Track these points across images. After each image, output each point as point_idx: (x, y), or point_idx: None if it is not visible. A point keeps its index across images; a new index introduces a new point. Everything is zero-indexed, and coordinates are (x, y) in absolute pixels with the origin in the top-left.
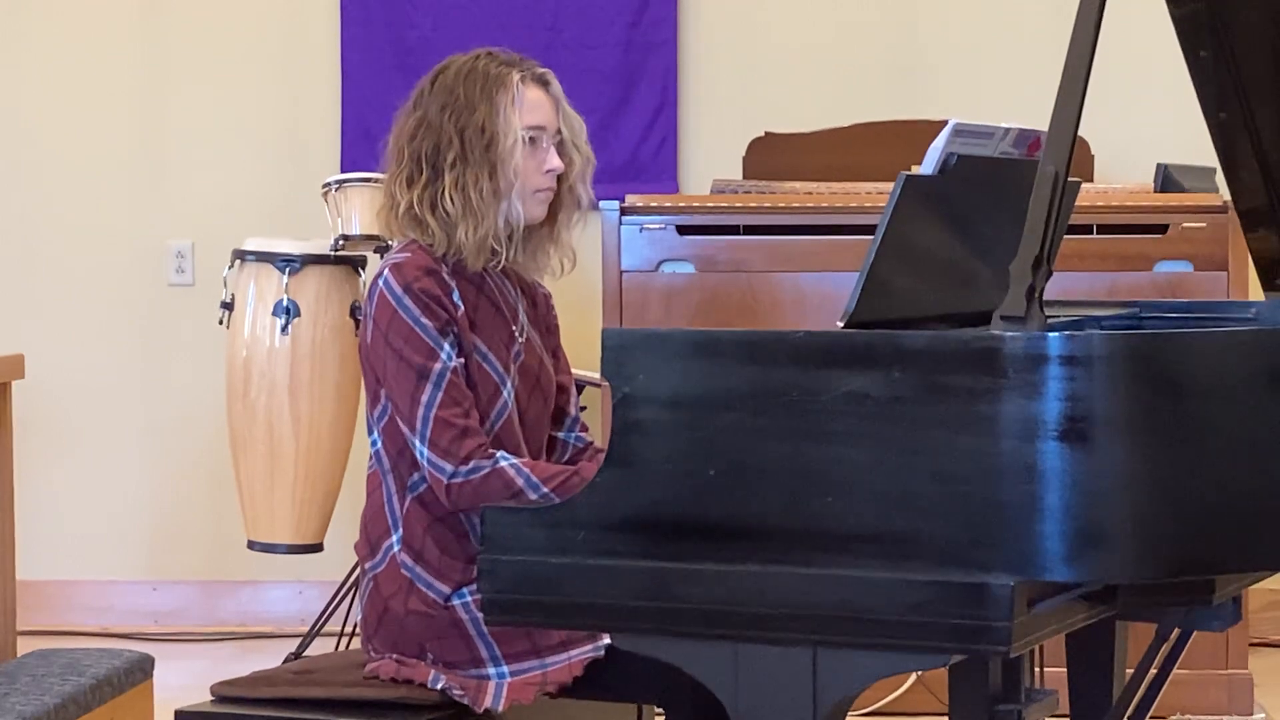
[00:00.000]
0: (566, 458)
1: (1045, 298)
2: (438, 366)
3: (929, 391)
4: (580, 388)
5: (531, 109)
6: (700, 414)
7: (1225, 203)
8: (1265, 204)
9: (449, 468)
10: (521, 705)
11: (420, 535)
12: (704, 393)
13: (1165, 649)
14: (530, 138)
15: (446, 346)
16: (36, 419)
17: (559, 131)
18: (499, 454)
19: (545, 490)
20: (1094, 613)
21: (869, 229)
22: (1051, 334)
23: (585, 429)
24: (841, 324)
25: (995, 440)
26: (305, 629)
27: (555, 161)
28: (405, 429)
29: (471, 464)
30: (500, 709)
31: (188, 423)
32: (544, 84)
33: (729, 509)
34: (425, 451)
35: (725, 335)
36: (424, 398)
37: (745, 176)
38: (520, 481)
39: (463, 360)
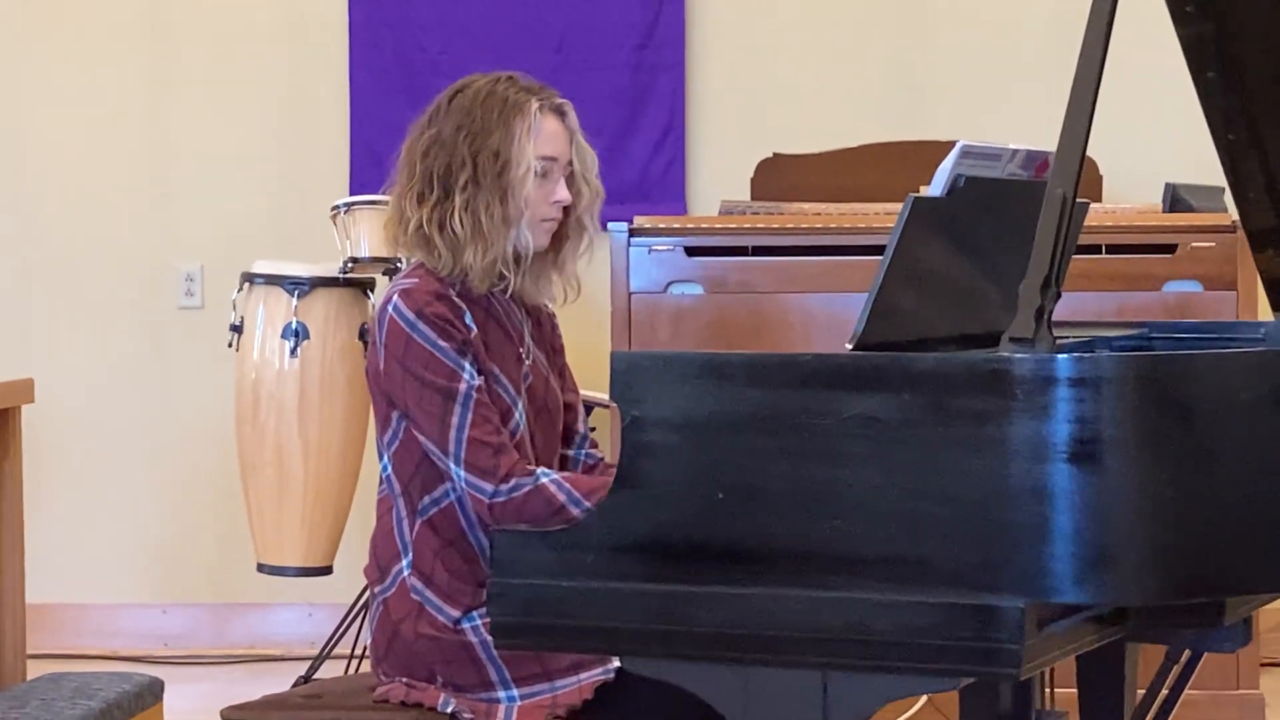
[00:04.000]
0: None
1: (1054, 318)
2: (463, 387)
3: (938, 414)
4: (589, 409)
5: (547, 139)
6: (709, 436)
7: (1234, 222)
8: (1274, 224)
9: (489, 487)
10: None
11: (430, 559)
12: (713, 415)
13: (1176, 670)
14: (542, 169)
15: (468, 366)
16: (46, 443)
17: (570, 163)
18: (539, 470)
19: (587, 505)
20: (1104, 634)
21: (877, 250)
22: (1060, 355)
23: (595, 445)
24: (850, 346)
25: (1004, 462)
26: (315, 652)
27: (563, 194)
28: (437, 452)
29: (513, 482)
30: None
31: (197, 445)
32: (561, 114)
33: (738, 531)
34: (462, 474)
35: (734, 358)
36: (454, 420)
37: (753, 197)
38: (562, 498)
39: (483, 379)
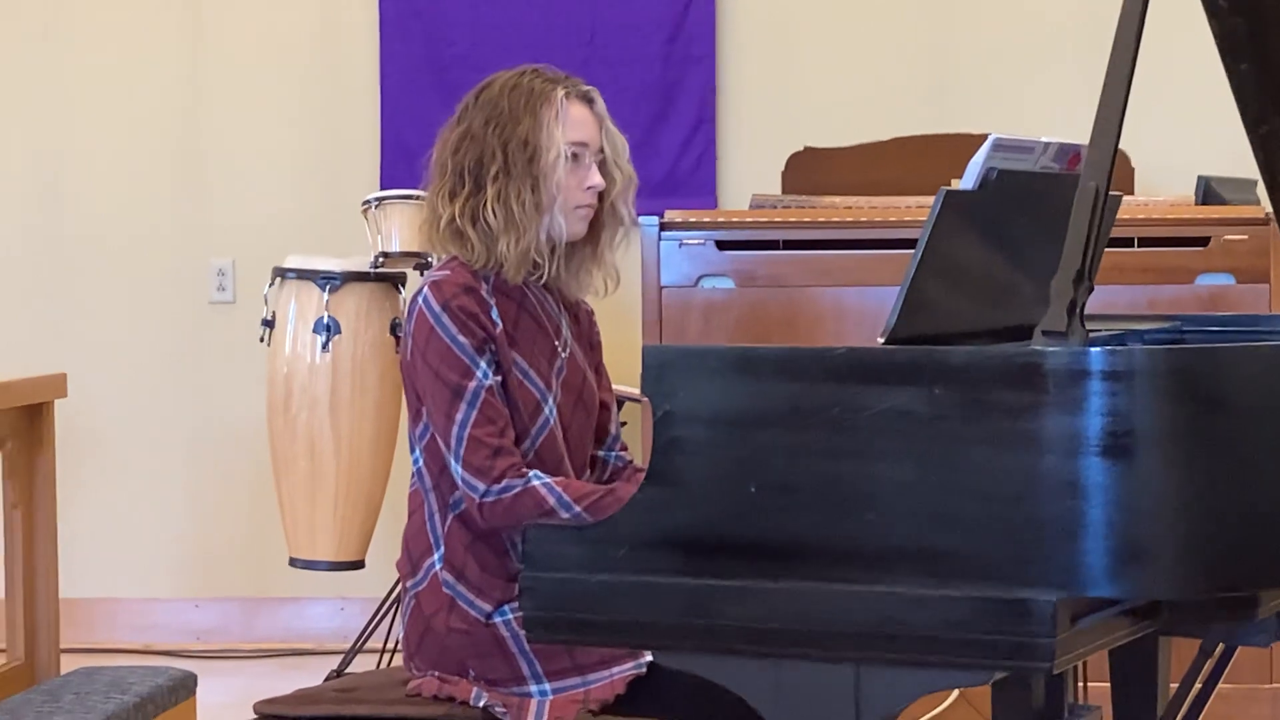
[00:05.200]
0: (607, 476)
1: (1086, 312)
2: (473, 385)
3: (970, 408)
4: (621, 403)
5: (575, 125)
6: (741, 431)
7: (1267, 215)
8: None
9: (481, 486)
10: None
11: (462, 553)
12: (745, 410)
13: (1209, 664)
14: (573, 154)
15: (483, 364)
16: (78, 437)
17: (601, 149)
18: (532, 473)
19: (577, 510)
20: (1137, 628)
21: (909, 244)
22: (1093, 349)
23: (625, 448)
24: (882, 340)
25: (1037, 456)
26: (347, 646)
27: (596, 178)
28: (441, 446)
29: (504, 482)
30: None
31: (229, 440)
32: (588, 101)
33: (770, 526)
34: (459, 470)
35: (765, 352)
36: (459, 416)
37: (784, 191)
38: (552, 500)
39: (500, 378)
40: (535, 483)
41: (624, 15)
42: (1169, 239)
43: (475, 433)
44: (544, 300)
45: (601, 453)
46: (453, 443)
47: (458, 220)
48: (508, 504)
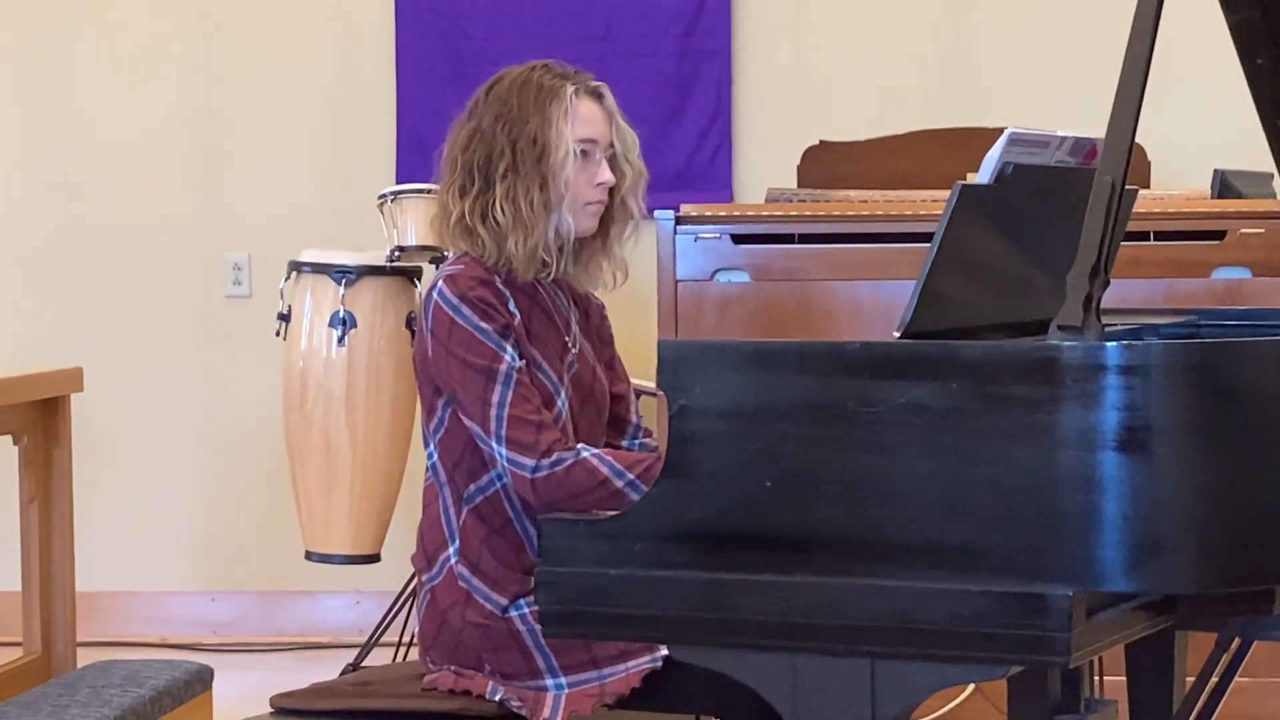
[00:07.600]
0: None
1: (1102, 306)
2: (503, 366)
3: (986, 402)
4: (636, 396)
5: (584, 122)
6: (757, 425)
7: None
8: None
9: (530, 462)
10: (580, 717)
11: (477, 547)
12: (760, 404)
13: (1226, 658)
14: (582, 150)
15: (509, 348)
16: (95, 431)
17: (611, 145)
18: (579, 445)
19: (631, 477)
20: (1153, 622)
21: (924, 237)
22: (1109, 343)
23: (649, 434)
24: (897, 334)
25: (1053, 450)
26: (363, 639)
27: (606, 175)
28: (479, 431)
29: (555, 456)
30: None
31: (245, 434)
32: (597, 97)
33: (786, 520)
34: (503, 451)
35: (781, 346)
36: (495, 398)
37: (800, 185)
38: (605, 470)
39: (524, 362)
40: (585, 454)
41: (639, 9)
42: (1185, 233)
43: (515, 411)
44: (555, 295)
45: (624, 443)
46: (493, 425)
47: (467, 218)
48: (561, 476)
